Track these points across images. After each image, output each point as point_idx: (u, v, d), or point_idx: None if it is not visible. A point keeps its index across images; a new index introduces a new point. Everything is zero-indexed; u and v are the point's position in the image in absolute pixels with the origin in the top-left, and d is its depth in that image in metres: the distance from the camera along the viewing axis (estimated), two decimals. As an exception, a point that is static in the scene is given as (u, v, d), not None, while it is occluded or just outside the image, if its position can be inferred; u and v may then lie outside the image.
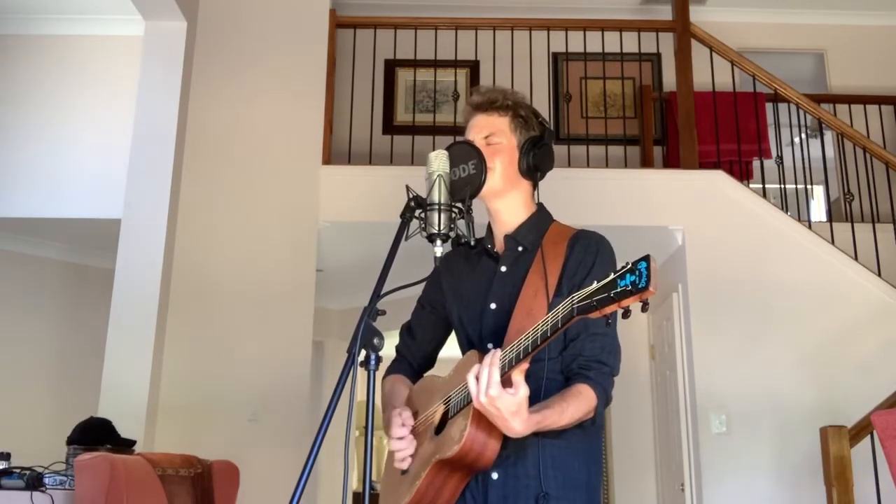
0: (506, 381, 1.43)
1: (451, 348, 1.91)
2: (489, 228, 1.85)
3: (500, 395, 1.41)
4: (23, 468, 2.94)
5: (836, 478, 3.37)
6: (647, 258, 1.23)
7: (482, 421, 1.50)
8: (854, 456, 3.43)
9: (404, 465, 1.68)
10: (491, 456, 1.53)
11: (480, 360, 1.52)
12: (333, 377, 6.46)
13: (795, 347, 4.45)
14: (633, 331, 5.49)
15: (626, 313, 1.27)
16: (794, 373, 4.41)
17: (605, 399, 1.61)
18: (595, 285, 1.29)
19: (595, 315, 1.29)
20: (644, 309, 1.26)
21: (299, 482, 1.44)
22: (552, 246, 1.72)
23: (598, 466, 1.71)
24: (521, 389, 1.42)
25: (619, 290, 1.24)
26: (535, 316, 1.60)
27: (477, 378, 1.44)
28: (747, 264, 4.57)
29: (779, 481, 4.28)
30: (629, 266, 1.24)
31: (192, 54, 4.82)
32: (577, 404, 1.55)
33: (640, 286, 1.22)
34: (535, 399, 1.54)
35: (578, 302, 1.31)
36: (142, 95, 4.64)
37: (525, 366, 1.43)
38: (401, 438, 1.68)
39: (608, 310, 1.27)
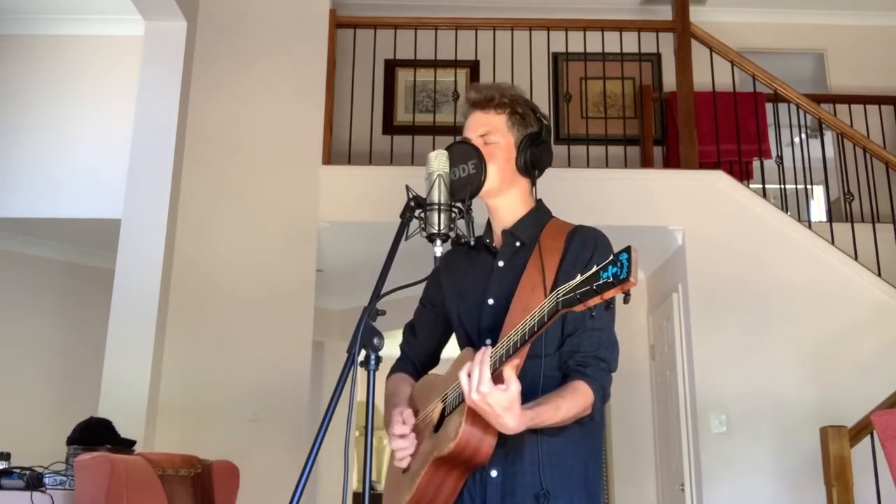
0: (497, 378, 1.43)
1: (452, 347, 1.91)
2: (488, 224, 1.85)
3: (491, 391, 1.41)
4: (23, 468, 2.94)
5: (836, 478, 3.37)
6: (628, 249, 1.24)
7: (477, 417, 1.50)
8: (854, 456, 3.43)
9: (404, 464, 1.68)
10: (487, 452, 1.53)
11: (474, 358, 1.53)
12: (333, 377, 6.46)
13: (795, 347, 4.45)
14: (633, 331, 5.49)
15: (609, 305, 1.28)
16: (794, 373, 4.42)
17: (602, 395, 1.61)
18: (579, 278, 1.30)
19: (579, 308, 1.30)
20: (626, 300, 1.27)
21: (299, 482, 1.44)
22: (550, 241, 1.72)
23: (598, 463, 1.71)
24: (513, 385, 1.42)
25: (601, 282, 1.26)
26: (531, 311, 1.61)
27: (469, 375, 1.45)
28: (747, 264, 4.57)
29: (779, 481, 4.28)
30: (611, 258, 1.26)
31: (192, 54, 4.82)
32: (572, 401, 1.55)
33: (621, 278, 1.23)
34: (533, 396, 1.55)
35: (563, 296, 1.32)
36: (142, 95, 4.64)
37: (516, 361, 1.43)
38: (402, 437, 1.68)
39: (591, 302, 1.28)
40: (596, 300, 1.27)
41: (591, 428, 1.67)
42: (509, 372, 1.42)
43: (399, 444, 1.67)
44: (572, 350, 1.64)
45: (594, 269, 1.28)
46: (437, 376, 1.78)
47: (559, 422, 1.54)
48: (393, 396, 1.84)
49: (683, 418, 4.64)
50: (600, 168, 5.07)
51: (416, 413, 1.75)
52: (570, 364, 1.63)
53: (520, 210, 1.80)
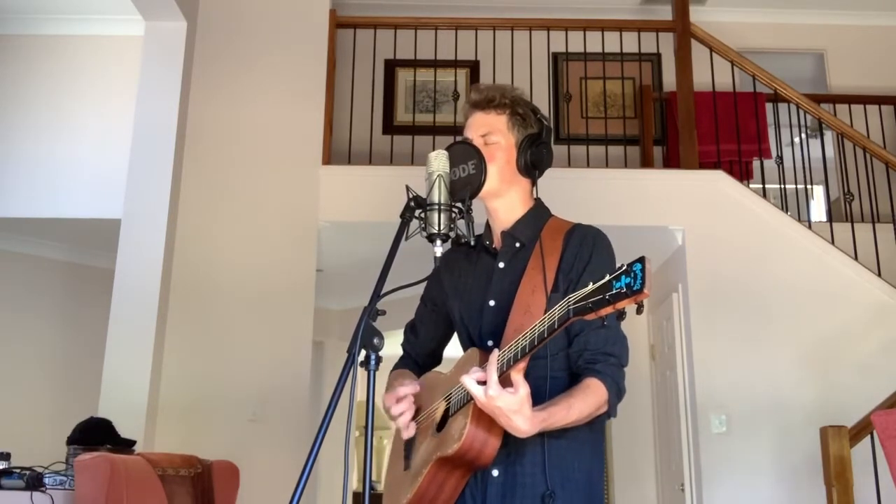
0: (505, 381, 1.43)
1: (453, 347, 1.91)
2: (487, 225, 1.85)
3: (499, 394, 1.41)
4: (23, 468, 2.94)
5: (836, 478, 3.37)
6: (641, 260, 1.23)
7: (482, 419, 1.50)
8: (854, 456, 3.43)
9: (410, 432, 1.70)
10: (491, 454, 1.53)
11: (480, 358, 1.52)
12: (333, 377, 6.47)
13: (795, 347, 4.45)
14: (634, 331, 5.46)
15: (621, 315, 1.27)
16: (794, 373, 4.42)
17: (616, 391, 1.59)
18: (591, 287, 1.29)
19: (591, 317, 1.29)
20: (639, 311, 1.26)
21: (299, 482, 1.44)
22: (550, 241, 1.72)
23: (600, 464, 1.71)
24: (521, 388, 1.41)
25: (614, 291, 1.24)
26: (533, 313, 1.60)
27: (476, 379, 1.44)
28: (747, 264, 4.57)
29: (779, 481, 4.28)
30: (624, 268, 1.24)
31: (192, 54, 4.82)
32: (584, 399, 1.54)
33: (634, 288, 1.22)
34: (540, 397, 1.54)
35: (574, 303, 1.31)
36: (142, 95, 4.65)
37: (523, 365, 1.43)
38: (400, 399, 1.70)
39: (603, 312, 1.27)
40: (608, 309, 1.26)
41: (596, 429, 1.67)
42: (517, 375, 1.42)
43: (399, 409, 1.70)
44: (580, 349, 1.63)
45: (607, 277, 1.26)
46: (439, 374, 1.78)
47: (573, 421, 1.53)
48: (393, 381, 1.84)
49: (683, 418, 4.64)
50: (600, 168, 5.07)
51: (418, 410, 1.75)
52: (580, 363, 1.63)
53: (519, 211, 1.80)
